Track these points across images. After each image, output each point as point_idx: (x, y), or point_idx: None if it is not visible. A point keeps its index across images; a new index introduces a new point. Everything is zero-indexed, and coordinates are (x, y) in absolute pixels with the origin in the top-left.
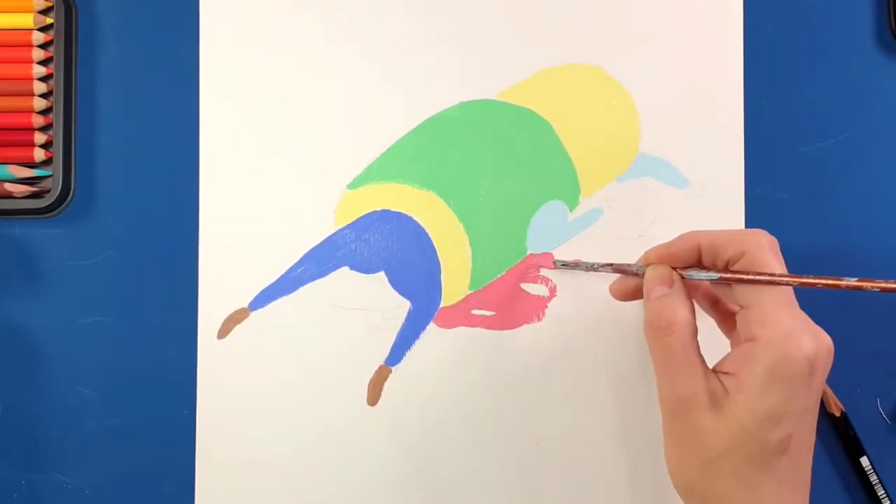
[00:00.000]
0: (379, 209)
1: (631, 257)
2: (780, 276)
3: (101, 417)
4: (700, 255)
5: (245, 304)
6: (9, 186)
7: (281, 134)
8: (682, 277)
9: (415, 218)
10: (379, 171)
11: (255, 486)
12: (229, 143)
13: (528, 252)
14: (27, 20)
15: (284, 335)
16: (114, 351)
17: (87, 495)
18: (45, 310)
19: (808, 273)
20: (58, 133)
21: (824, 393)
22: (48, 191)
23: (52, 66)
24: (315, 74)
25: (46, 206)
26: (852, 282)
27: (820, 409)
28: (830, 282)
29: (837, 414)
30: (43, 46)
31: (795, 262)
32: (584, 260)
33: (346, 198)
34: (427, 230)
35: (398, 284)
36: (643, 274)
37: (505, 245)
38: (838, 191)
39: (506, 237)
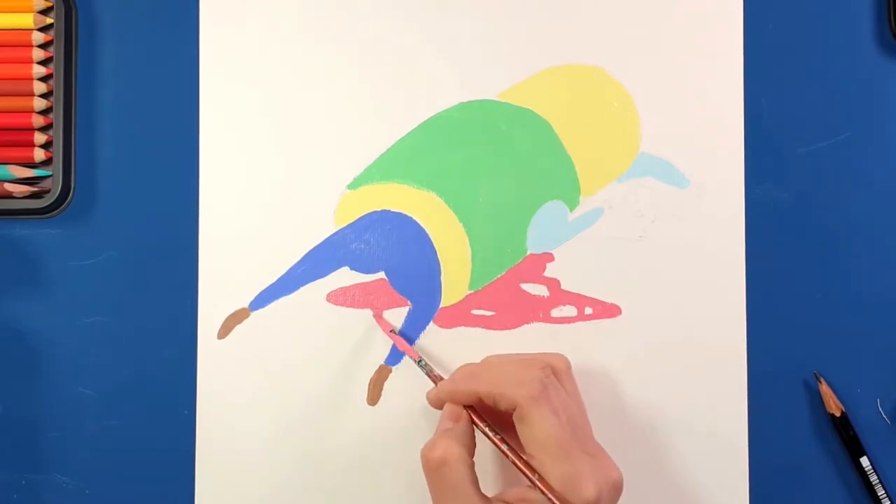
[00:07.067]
0: (379, 209)
1: (631, 257)
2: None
3: (101, 417)
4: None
5: (245, 304)
6: (9, 186)
7: (281, 134)
8: (471, 418)
9: (415, 218)
10: (379, 171)
11: (255, 486)
12: (229, 144)
13: (528, 252)
14: (27, 20)
15: (284, 335)
16: (114, 351)
17: (87, 495)
18: (45, 310)
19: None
20: (58, 133)
21: (824, 393)
22: (48, 191)
23: (52, 66)
24: (315, 74)
25: (46, 206)
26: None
27: (820, 409)
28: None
29: (837, 414)
30: (43, 46)
31: (795, 262)
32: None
33: (345, 198)
34: (427, 230)
35: (398, 284)
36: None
37: (505, 245)
38: (838, 191)
39: (506, 237)
